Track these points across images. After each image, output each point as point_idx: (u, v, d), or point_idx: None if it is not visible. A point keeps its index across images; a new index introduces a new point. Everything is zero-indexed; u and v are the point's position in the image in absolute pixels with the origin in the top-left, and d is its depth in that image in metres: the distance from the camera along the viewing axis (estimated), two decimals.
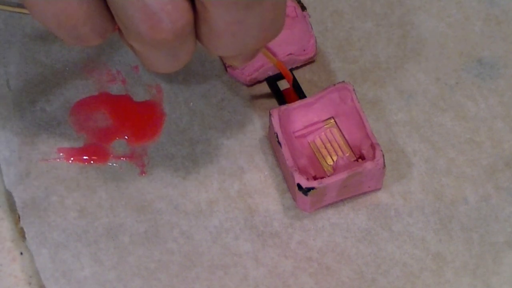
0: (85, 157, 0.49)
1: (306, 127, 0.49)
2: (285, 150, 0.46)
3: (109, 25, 0.39)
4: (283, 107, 0.48)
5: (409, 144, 0.49)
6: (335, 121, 0.49)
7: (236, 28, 0.38)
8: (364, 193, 0.48)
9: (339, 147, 0.48)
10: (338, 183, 0.46)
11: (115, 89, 0.51)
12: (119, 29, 0.40)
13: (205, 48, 0.40)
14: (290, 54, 0.51)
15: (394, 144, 0.49)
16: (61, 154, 0.49)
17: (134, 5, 0.36)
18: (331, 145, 0.48)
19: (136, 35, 0.37)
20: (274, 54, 0.50)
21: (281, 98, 0.50)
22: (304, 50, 0.51)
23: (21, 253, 0.47)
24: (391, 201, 0.48)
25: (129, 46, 0.40)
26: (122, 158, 0.49)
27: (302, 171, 0.47)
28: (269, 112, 0.48)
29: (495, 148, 0.49)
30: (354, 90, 0.48)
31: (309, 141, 0.49)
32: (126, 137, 0.50)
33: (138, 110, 0.50)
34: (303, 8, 0.52)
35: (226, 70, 0.51)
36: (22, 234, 0.47)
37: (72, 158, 0.49)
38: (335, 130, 0.49)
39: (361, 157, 0.48)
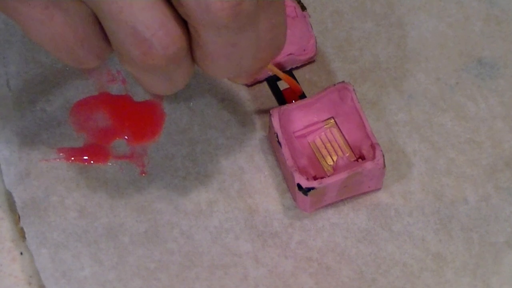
0: (85, 157, 0.49)
1: (306, 127, 0.49)
2: (285, 150, 0.46)
3: (106, 47, 0.38)
4: (283, 107, 0.48)
5: (409, 144, 0.49)
6: (335, 121, 0.49)
7: (230, 51, 0.38)
8: (364, 193, 0.48)
9: (339, 147, 0.48)
10: (338, 183, 0.46)
11: (115, 89, 0.51)
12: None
13: (203, 71, 0.40)
14: (290, 54, 0.51)
15: (394, 144, 0.49)
16: (61, 154, 0.49)
17: (125, 30, 0.36)
18: (331, 145, 0.48)
19: (129, 59, 0.37)
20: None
21: (281, 98, 0.50)
22: (304, 50, 0.51)
23: (21, 253, 0.47)
24: (391, 201, 0.48)
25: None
26: (122, 158, 0.49)
27: (302, 171, 0.47)
28: (269, 112, 0.48)
29: (495, 148, 0.49)
30: (354, 90, 0.48)
31: (309, 141, 0.49)
32: (126, 137, 0.50)
33: (138, 110, 0.50)
34: (303, 8, 0.52)
35: None
36: (22, 234, 0.47)
37: (72, 158, 0.49)
38: (335, 130, 0.49)
39: (361, 157, 0.48)
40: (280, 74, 0.49)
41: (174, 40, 0.36)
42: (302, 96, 0.50)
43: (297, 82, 0.50)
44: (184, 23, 0.37)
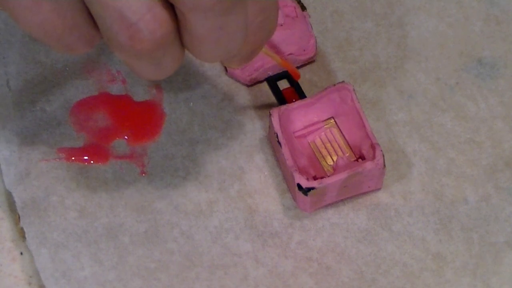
0: (85, 157, 0.49)
1: (306, 127, 0.49)
2: (285, 150, 0.46)
3: (95, 33, 0.38)
4: (283, 107, 0.48)
5: (409, 144, 0.49)
6: (335, 121, 0.49)
7: (218, 35, 0.37)
8: (364, 193, 0.48)
9: (339, 147, 0.48)
10: (338, 183, 0.46)
11: (115, 89, 0.51)
12: None
13: (193, 55, 0.40)
14: (290, 54, 0.51)
15: (394, 144, 0.49)
16: (61, 154, 0.49)
17: (112, 15, 0.36)
18: (331, 145, 0.48)
19: (117, 45, 0.37)
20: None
21: (281, 98, 0.50)
22: (304, 50, 0.51)
23: (21, 253, 0.47)
24: (391, 201, 0.48)
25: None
26: (122, 158, 0.49)
27: (302, 171, 0.47)
28: (269, 112, 0.48)
29: (495, 148, 0.49)
30: (354, 90, 0.48)
31: (309, 141, 0.49)
32: (126, 137, 0.50)
33: (138, 110, 0.50)
34: (303, 8, 0.52)
35: (226, 70, 0.51)
36: (22, 234, 0.47)
37: (72, 158, 0.49)
38: (335, 130, 0.49)
39: (361, 157, 0.48)
40: (277, 58, 0.48)
41: (161, 24, 0.36)
42: (302, 94, 0.50)
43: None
44: (171, 7, 0.37)
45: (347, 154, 0.48)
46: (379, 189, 0.48)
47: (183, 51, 0.39)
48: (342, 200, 0.48)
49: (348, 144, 0.48)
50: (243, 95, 0.51)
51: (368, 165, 0.46)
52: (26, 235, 0.47)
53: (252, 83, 0.51)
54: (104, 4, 0.36)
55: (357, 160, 0.48)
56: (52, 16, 0.37)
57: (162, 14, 0.36)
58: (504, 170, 0.48)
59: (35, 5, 0.37)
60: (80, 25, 0.38)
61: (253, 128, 0.50)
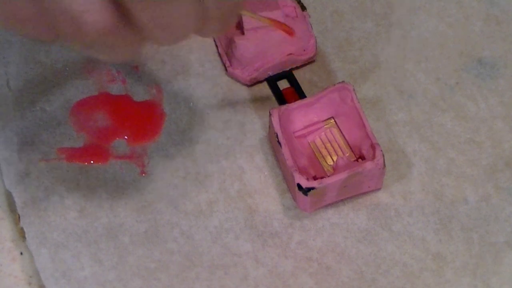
0: (85, 157, 0.49)
1: (306, 127, 0.49)
2: (285, 150, 0.46)
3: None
4: (283, 107, 0.48)
5: (409, 144, 0.49)
6: (335, 121, 0.49)
7: (163, 21, 0.37)
8: (364, 193, 0.48)
9: (339, 147, 0.48)
10: (338, 183, 0.46)
11: (115, 89, 0.51)
12: None
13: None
14: (290, 54, 0.51)
15: (394, 144, 0.49)
16: (61, 154, 0.49)
17: (58, 9, 0.36)
18: (331, 145, 0.48)
19: (65, 36, 0.38)
20: (274, 54, 0.50)
21: (281, 98, 0.50)
22: (304, 50, 0.51)
23: (21, 253, 0.47)
24: (391, 201, 0.48)
25: None
26: (122, 158, 0.49)
27: (302, 171, 0.47)
28: (269, 112, 0.48)
29: (495, 148, 0.49)
30: (354, 90, 0.48)
31: (309, 141, 0.49)
32: (126, 137, 0.50)
33: (138, 110, 0.50)
34: (303, 8, 0.52)
35: (226, 70, 0.51)
36: (22, 234, 0.47)
37: (72, 158, 0.49)
38: (335, 130, 0.49)
39: (361, 157, 0.48)
40: (262, 18, 0.47)
41: (104, 16, 0.37)
42: (302, 94, 0.50)
43: (294, 76, 0.50)
44: None
45: (347, 154, 0.48)
46: (379, 189, 0.48)
47: (138, 35, 0.39)
48: (342, 200, 0.48)
49: (348, 144, 0.48)
50: (243, 95, 0.51)
51: (368, 165, 0.46)
52: (26, 235, 0.47)
53: (252, 83, 0.51)
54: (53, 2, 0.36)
55: (357, 160, 0.48)
56: (16, 6, 0.38)
57: (105, 5, 0.36)
58: (504, 170, 0.48)
59: None
60: (36, 17, 0.38)
61: (253, 128, 0.50)
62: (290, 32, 0.49)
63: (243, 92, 0.51)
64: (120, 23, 0.38)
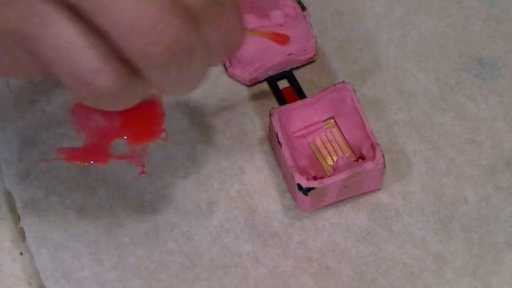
0: (85, 157, 0.49)
1: (306, 127, 0.49)
2: (285, 150, 0.46)
3: (39, 72, 0.38)
4: (283, 107, 0.48)
5: (409, 144, 0.49)
6: (335, 121, 0.49)
7: (178, 80, 0.37)
8: (364, 193, 0.48)
9: (339, 147, 0.48)
10: (338, 183, 0.46)
11: None
12: None
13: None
14: (290, 54, 0.51)
15: (394, 144, 0.49)
16: (61, 154, 0.49)
17: (69, 75, 0.36)
18: (331, 145, 0.48)
19: (77, 95, 0.37)
20: (273, 54, 0.50)
21: (281, 98, 0.50)
22: (304, 50, 0.51)
23: (21, 253, 0.47)
24: (391, 201, 0.48)
25: None
26: (122, 158, 0.49)
27: (302, 171, 0.47)
28: (269, 112, 0.48)
29: (495, 148, 0.49)
30: (354, 90, 0.48)
31: (309, 141, 0.49)
32: (126, 137, 0.50)
33: (138, 110, 0.50)
34: (303, 8, 0.52)
35: (226, 70, 0.51)
36: (22, 234, 0.47)
37: (72, 158, 0.49)
38: (335, 130, 0.49)
39: (361, 157, 0.48)
40: (262, 34, 0.47)
41: (117, 77, 0.36)
42: (302, 94, 0.50)
43: (295, 78, 0.50)
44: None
45: (347, 154, 0.48)
46: (379, 189, 0.48)
47: (148, 89, 0.39)
48: (342, 200, 0.48)
49: (348, 144, 0.48)
50: (243, 95, 0.51)
51: (368, 165, 0.46)
52: (26, 235, 0.47)
53: (252, 83, 0.51)
54: (59, 65, 0.35)
55: (357, 160, 0.48)
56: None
57: (117, 66, 0.36)
58: (504, 170, 0.48)
59: None
60: (24, 63, 0.37)
61: (253, 128, 0.50)
62: (285, 41, 0.48)
63: (243, 92, 0.51)
64: (131, 80, 0.37)
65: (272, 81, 0.51)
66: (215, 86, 0.51)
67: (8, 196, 0.49)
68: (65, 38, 0.35)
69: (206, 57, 0.37)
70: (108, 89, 0.36)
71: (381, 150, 0.46)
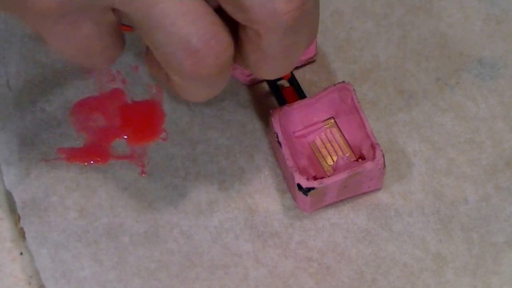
0: (85, 157, 0.49)
1: (306, 127, 0.49)
2: (285, 150, 0.46)
3: (121, 52, 0.39)
4: (283, 107, 0.48)
5: (409, 144, 0.49)
6: (335, 121, 0.49)
7: (290, 50, 0.37)
8: (364, 193, 0.48)
9: (339, 147, 0.48)
10: (338, 183, 0.46)
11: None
12: (147, 57, 0.39)
13: (253, 74, 0.39)
14: None
15: (394, 144, 0.49)
16: (61, 154, 0.49)
17: (176, 42, 0.36)
18: (331, 145, 0.48)
19: (179, 70, 0.37)
20: None
21: (281, 98, 0.50)
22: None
23: (21, 253, 0.47)
24: (391, 201, 0.48)
25: (157, 77, 0.40)
26: (122, 158, 0.49)
27: (302, 171, 0.47)
28: (269, 112, 0.48)
29: (495, 148, 0.49)
30: (354, 90, 0.48)
31: (309, 141, 0.49)
32: (126, 137, 0.50)
33: (138, 110, 0.50)
34: None
35: None
36: (22, 234, 0.47)
37: (72, 158, 0.49)
38: (335, 130, 0.49)
39: (361, 157, 0.48)
40: None
41: (225, 48, 0.36)
42: (302, 94, 0.50)
43: (295, 78, 0.50)
44: (230, 30, 0.37)
45: (347, 154, 0.48)
46: (379, 189, 0.48)
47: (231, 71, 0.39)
48: (342, 200, 0.48)
49: (348, 144, 0.48)
50: (243, 95, 0.51)
51: (368, 165, 0.46)
52: (26, 235, 0.47)
53: (252, 83, 0.51)
54: (168, 32, 0.35)
55: (357, 160, 0.48)
56: (89, 41, 0.37)
57: (226, 38, 0.36)
58: (504, 170, 0.48)
59: (72, 32, 0.37)
60: (112, 47, 0.38)
61: (253, 128, 0.50)
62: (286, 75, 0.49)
63: (243, 92, 0.51)
64: (232, 58, 0.37)
65: (272, 81, 0.51)
66: None
67: (8, 196, 0.49)
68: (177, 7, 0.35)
69: (311, 34, 0.38)
70: (215, 61, 0.36)
71: (381, 150, 0.46)
